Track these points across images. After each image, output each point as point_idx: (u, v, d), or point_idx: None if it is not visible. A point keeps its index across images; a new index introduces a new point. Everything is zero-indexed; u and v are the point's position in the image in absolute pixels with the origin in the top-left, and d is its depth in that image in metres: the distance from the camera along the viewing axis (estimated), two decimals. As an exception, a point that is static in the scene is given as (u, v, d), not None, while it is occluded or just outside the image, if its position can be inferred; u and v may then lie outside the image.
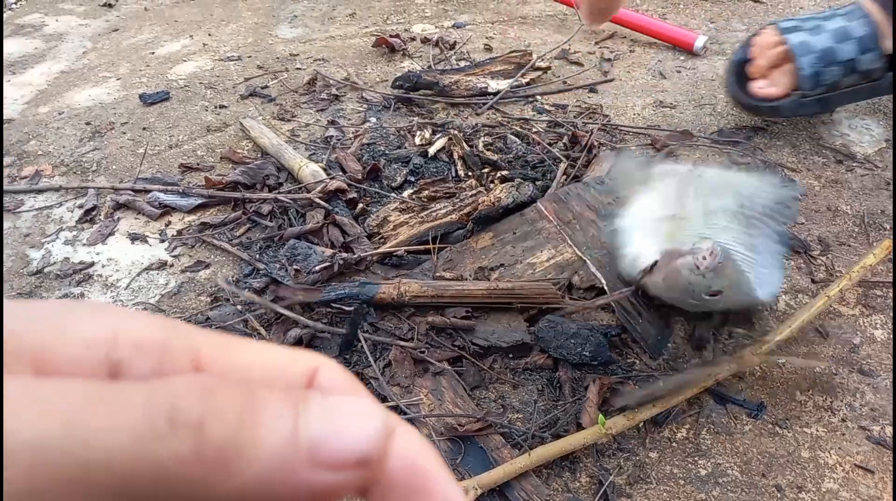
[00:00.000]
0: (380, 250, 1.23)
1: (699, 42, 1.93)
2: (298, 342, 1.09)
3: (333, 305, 1.13)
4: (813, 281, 1.22)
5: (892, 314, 1.14)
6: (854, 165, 1.50)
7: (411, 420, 0.99)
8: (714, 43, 2.00)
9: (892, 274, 1.21)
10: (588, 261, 1.20)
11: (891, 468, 0.92)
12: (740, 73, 1.55)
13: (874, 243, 1.28)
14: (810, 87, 1.45)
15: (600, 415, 0.94)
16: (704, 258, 0.96)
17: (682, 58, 1.96)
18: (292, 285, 1.16)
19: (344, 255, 1.21)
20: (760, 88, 1.49)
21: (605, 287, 1.14)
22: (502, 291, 1.10)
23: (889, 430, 0.97)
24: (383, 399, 1.02)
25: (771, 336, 1.04)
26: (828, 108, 1.55)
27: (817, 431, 0.97)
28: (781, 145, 1.56)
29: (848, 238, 1.31)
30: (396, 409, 1.01)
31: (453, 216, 1.27)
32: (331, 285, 1.15)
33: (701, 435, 0.97)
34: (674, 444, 0.96)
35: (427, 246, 1.23)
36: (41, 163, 1.62)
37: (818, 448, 0.95)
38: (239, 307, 1.18)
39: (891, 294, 1.18)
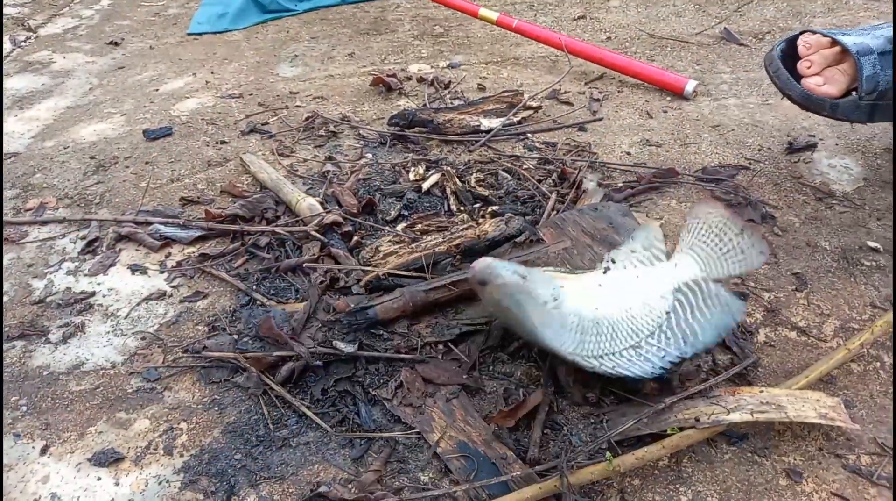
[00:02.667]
0: (368, 277, 1.27)
1: (689, 86, 2.00)
2: (290, 373, 1.12)
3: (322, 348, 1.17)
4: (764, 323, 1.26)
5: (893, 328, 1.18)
6: (833, 202, 1.56)
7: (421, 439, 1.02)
8: (700, 85, 2.07)
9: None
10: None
11: (865, 496, 0.95)
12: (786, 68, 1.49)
13: (855, 278, 1.33)
14: (869, 88, 1.40)
15: (608, 453, 0.97)
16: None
17: (668, 98, 2.03)
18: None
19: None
20: (819, 85, 1.44)
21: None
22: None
23: (864, 459, 1.00)
24: (396, 419, 1.05)
25: (785, 385, 1.06)
26: (872, 117, 1.50)
27: (795, 459, 1.00)
28: (763, 183, 1.62)
29: (826, 274, 1.35)
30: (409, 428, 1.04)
31: (441, 247, 1.31)
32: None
33: (682, 463, 1.00)
34: (656, 472, 0.99)
35: (421, 274, 1.27)
36: (46, 195, 1.66)
37: (795, 476, 0.98)
38: (235, 337, 1.21)
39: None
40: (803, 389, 1.06)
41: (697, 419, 0.99)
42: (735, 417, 0.99)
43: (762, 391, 1.03)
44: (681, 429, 1.00)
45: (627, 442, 1.00)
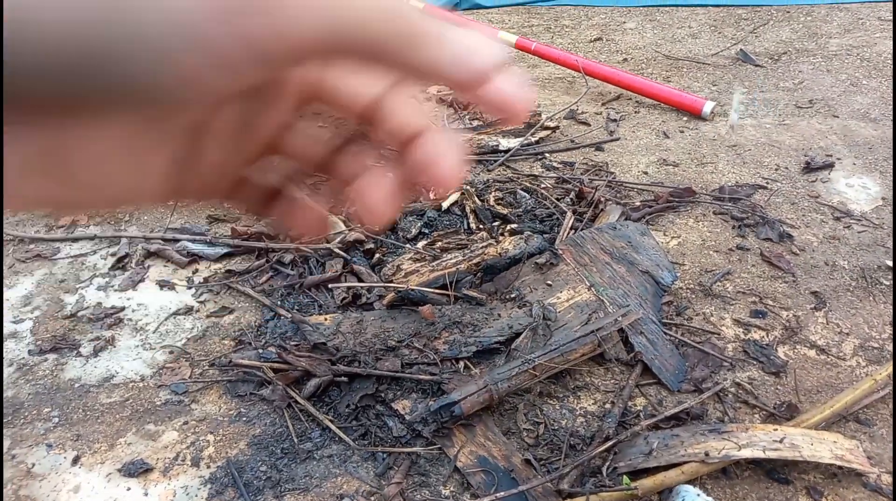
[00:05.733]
0: (390, 295, 1.29)
1: (707, 108, 2.02)
2: (317, 389, 1.15)
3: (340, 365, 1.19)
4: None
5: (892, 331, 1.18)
6: (851, 221, 1.56)
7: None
8: (717, 105, 2.09)
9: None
10: (605, 301, 1.26)
11: (887, 514, 0.95)
12: None
13: (874, 298, 1.33)
14: None
15: (625, 476, 0.98)
16: None
17: (685, 119, 2.05)
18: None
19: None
20: None
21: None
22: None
23: (885, 478, 1.00)
24: (417, 434, 1.07)
25: (809, 415, 1.06)
26: None
27: (815, 478, 1.00)
28: (781, 202, 1.63)
29: (844, 292, 1.36)
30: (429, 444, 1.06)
31: (462, 266, 1.34)
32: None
33: (702, 480, 1.01)
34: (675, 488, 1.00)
35: (445, 292, 1.30)
36: (78, 213, 1.72)
37: (816, 494, 0.98)
38: (260, 351, 1.24)
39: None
40: (828, 418, 1.06)
41: (707, 454, 0.99)
42: (746, 453, 0.99)
43: (776, 429, 1.03)
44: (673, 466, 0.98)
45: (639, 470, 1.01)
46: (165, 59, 0.17)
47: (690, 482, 0.99)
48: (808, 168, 1.75)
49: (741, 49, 2.48)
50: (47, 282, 1.47)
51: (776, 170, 1.77)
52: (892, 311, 1.30)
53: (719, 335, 1.26)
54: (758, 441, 1.01)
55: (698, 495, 0.94)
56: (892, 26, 2.58)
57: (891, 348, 1.23)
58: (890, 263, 1.42)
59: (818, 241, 1.50)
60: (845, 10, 2.79)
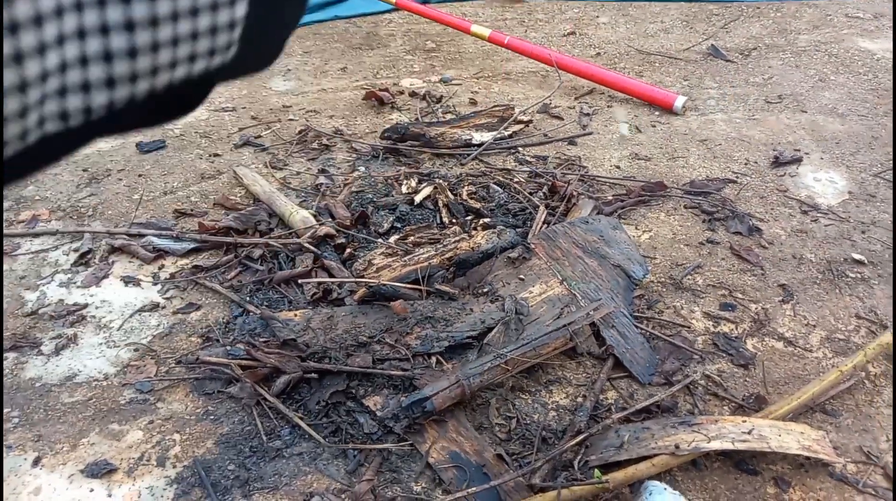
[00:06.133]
0: (361, 290, 1.28)
1: (678, 102, 2.03)
2: (286, 386, 1.13)
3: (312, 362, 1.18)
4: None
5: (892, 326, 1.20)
6: (818, 215, 1.58)
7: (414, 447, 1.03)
8: (689, 100, 2.11)
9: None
10: (577, 295, 1.26)
11: (852, 503, 0.97)
12: None
13: (840, 290, 1.35)
14: None
15: (596, 470, 0.98)
16: None
17: (657, 113, 2.06)
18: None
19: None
20: None
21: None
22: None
23: (850, 468, 1.02)
24: (389, 430, 1.06)
25: (773, 409, 1.07)
26: None
27: (782, 468, 1.02)
28: (750, 196, 1.65)
29: (812, 285, 1.37)
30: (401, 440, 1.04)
31: (434, 261, 1.33)
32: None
33: (673, 472, 1.01)
34: (645, 480, 1.00)
35: (417, 287, 1.28)
36: (38, 208, 1.67)
37: (783, 484, 0.99)
38: (228, 348, 1.22)
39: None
40: (795, 409, 1.07)
41: (677, 446, 0.99)
42: (715, 445, 0.99)
43: (745, 421, 1.04)
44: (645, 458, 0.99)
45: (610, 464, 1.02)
46: None
47: (660, 475, 1.00)
48: (777, 163, 1.77)
49: (712, 44, 2.50)
50: (7, 279, 1.42)
51: (746, 164, 1.79)
52: (860, 304, 1.32)
53: (689, 328, 1.27)
54: (727, 432, 1.01)
55: (665, 489, 0.94)
56: (892, 25, 2.62)
57: (856, 339, 1.25)
58: (856, 256, 1.44)
59: (786, 234, 1.52)
60: (814, 6, 2.82)
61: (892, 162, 1.75)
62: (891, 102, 2.02)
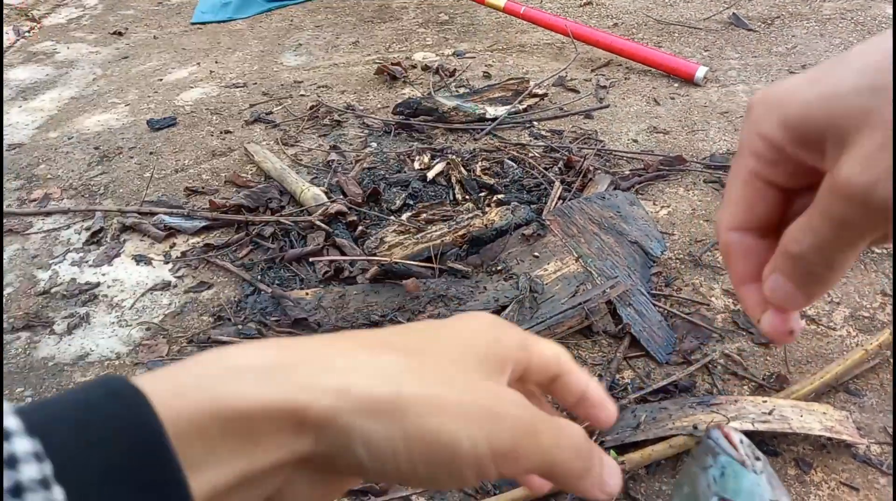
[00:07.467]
0: (373, 268, 1.26)
1: (700, 72, 1.97)
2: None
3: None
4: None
5: (892, 320, 1.17)
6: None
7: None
8: (709, 71, 2.05)
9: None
10: (593, 272, 1.23)
11: (875, 486, 0.94)
12: None
13: (865, 267, 1.31)
14: None
15: (612, 450, 0.96)
16: None
17: (675, 85, 2.00)
18: None
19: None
20: None
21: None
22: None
23: (874, 449, 0.99)
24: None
25: (798, 386, 1.04)
26: None
27: (804, 449, 0.99)
28: (772, 170, 1.60)
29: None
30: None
31: (447, 238, 1.30)
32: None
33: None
34: (663, 460, 0.98)
35: (430, 264, 1.26)
36: (50, 186, 1.66)
37: (804, 465, 0.97)
38: (240, 327, 1.21)
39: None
40: (817, 389, 1.04)
41: (696, 427, 0.97)
42: (735, 425, 0.96)
43: (765, 401, 1.01)
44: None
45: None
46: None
47: (677, 456, 0.98)
48: (801, 135, 1.72)
49: (734, 13, 2.42)
50: (19, 258, 1.42)
51: (768, 137, 1.73)
52: (885, 280, 1.28)
53: (709, 305, 1.24)
54: (747, 413, 0.99)
55: (741, 441, 0.80)
56: (893, 25, 2.52)
57: (881, 317, 1.21)
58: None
59: (810, 209, 1.48)
60: (840, -28, 2.73)
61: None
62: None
